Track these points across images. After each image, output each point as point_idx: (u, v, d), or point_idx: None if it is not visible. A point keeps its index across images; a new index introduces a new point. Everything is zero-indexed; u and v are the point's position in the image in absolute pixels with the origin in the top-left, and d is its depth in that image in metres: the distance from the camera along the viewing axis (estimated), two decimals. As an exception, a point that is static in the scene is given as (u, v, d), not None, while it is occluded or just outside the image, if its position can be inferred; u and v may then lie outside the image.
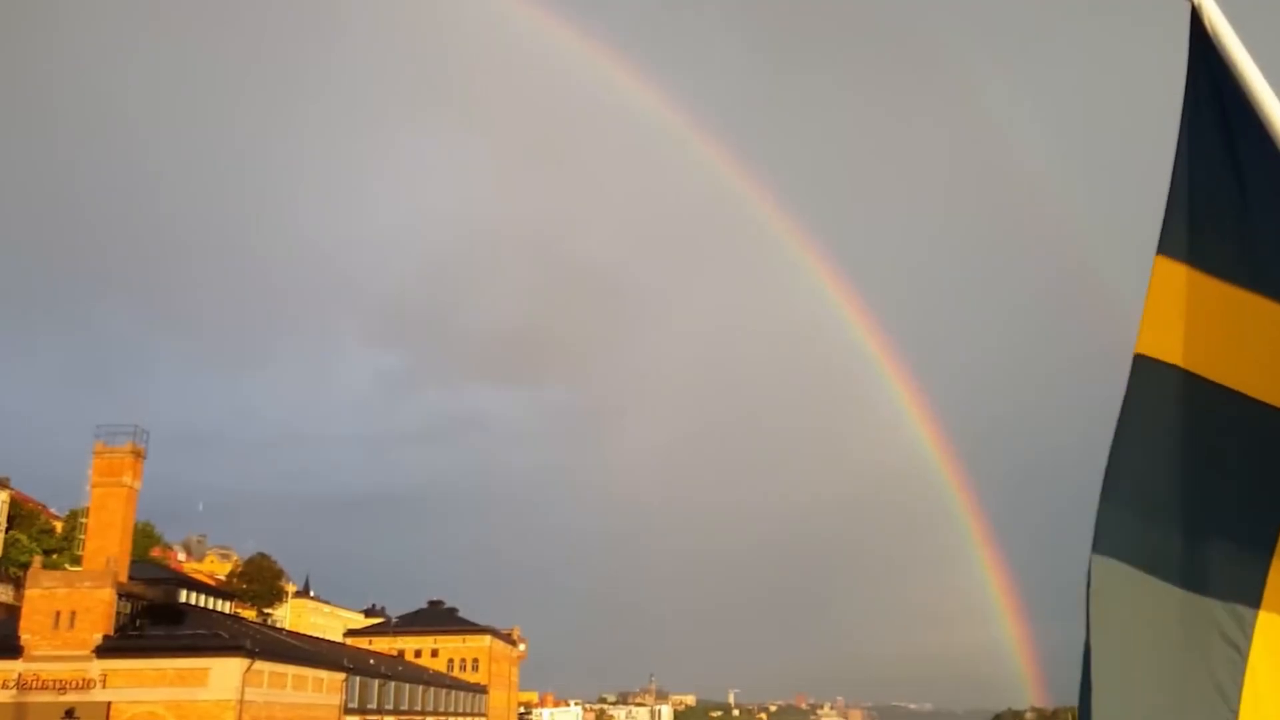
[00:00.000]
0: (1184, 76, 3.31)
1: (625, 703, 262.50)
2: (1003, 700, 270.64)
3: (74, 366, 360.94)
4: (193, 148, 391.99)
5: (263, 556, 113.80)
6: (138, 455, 47.32)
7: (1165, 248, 3.35)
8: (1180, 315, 3.31)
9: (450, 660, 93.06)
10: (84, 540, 47.67)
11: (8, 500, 74.39)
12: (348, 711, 56.32)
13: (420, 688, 72.16)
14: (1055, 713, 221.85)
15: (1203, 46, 3.23)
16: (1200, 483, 3.31)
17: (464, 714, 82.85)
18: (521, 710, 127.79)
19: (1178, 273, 3.32)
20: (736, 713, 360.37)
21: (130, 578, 47.75)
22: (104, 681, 42.35)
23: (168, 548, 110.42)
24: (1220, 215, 3.25)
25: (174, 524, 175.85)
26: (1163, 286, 3.35)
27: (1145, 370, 3.36)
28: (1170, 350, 3.33)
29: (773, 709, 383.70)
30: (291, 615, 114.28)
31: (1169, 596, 3.31)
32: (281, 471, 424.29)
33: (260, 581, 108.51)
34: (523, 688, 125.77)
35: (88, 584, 43.81)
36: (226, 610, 65.78)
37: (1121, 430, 3.40)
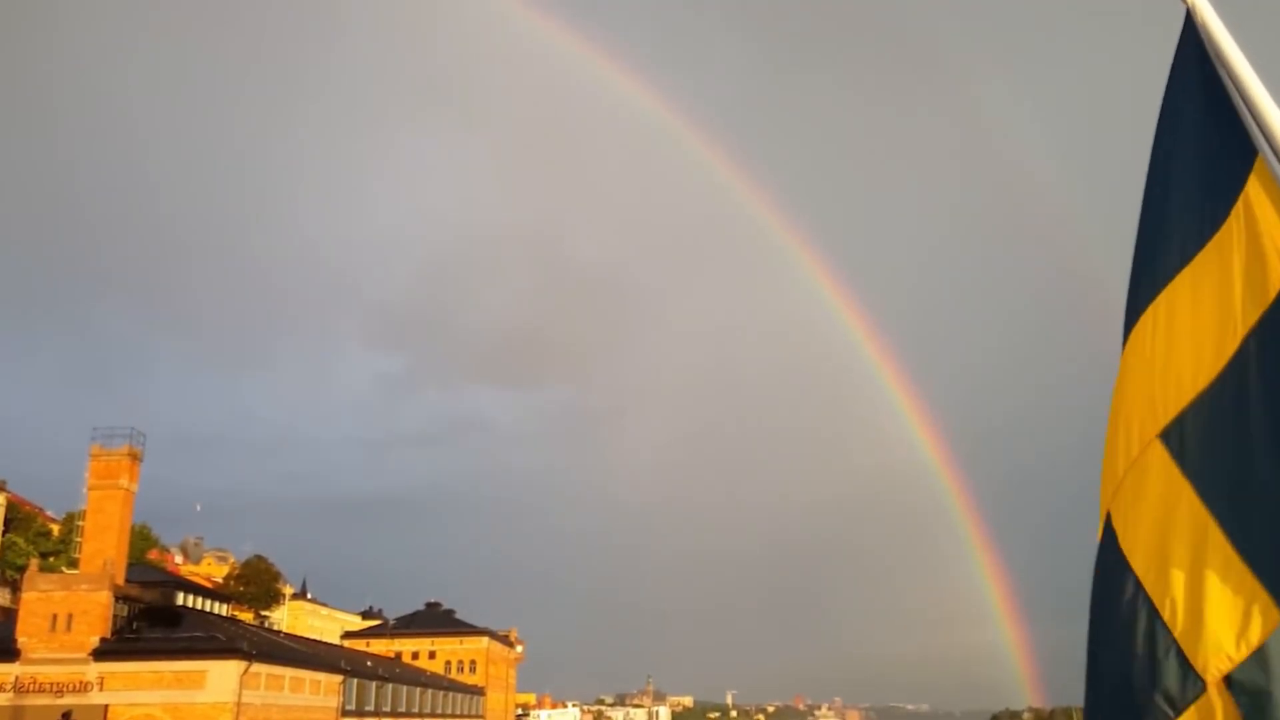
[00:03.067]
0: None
1: (623, 704, 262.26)
2: (1000, 701, 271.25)
3: (74, 366, 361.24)
4: (193, 148, 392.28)
5: (260, 559, 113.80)
6: (135, 458, 47.21)
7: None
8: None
9: (447, 662, 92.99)
10: (81, 543, 47.56)
11: (5, 503, 74.28)
12: (345, 714, 56.26)
13: (417, 690, 72.11)
14: (1053, 714, 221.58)
15: (1196, 46, 3.21)
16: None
17: (461, 715, 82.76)
18: (519, 712, 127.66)
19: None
20: (734, 714, 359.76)
21: (127, 580, 47.63)
22: (101, 684, 42.25)
23: (165, 550, 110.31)
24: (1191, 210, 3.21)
25: (171, 526, 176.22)
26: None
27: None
28: None
29: (770, 710, 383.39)
30: (289, 617, 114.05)
31: None
32: (280, 473, 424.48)
33: (257, 584, 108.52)
34: (521, 689, 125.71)
35: (85, 587, 43.70)
36: (224, 613, 65.68)
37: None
